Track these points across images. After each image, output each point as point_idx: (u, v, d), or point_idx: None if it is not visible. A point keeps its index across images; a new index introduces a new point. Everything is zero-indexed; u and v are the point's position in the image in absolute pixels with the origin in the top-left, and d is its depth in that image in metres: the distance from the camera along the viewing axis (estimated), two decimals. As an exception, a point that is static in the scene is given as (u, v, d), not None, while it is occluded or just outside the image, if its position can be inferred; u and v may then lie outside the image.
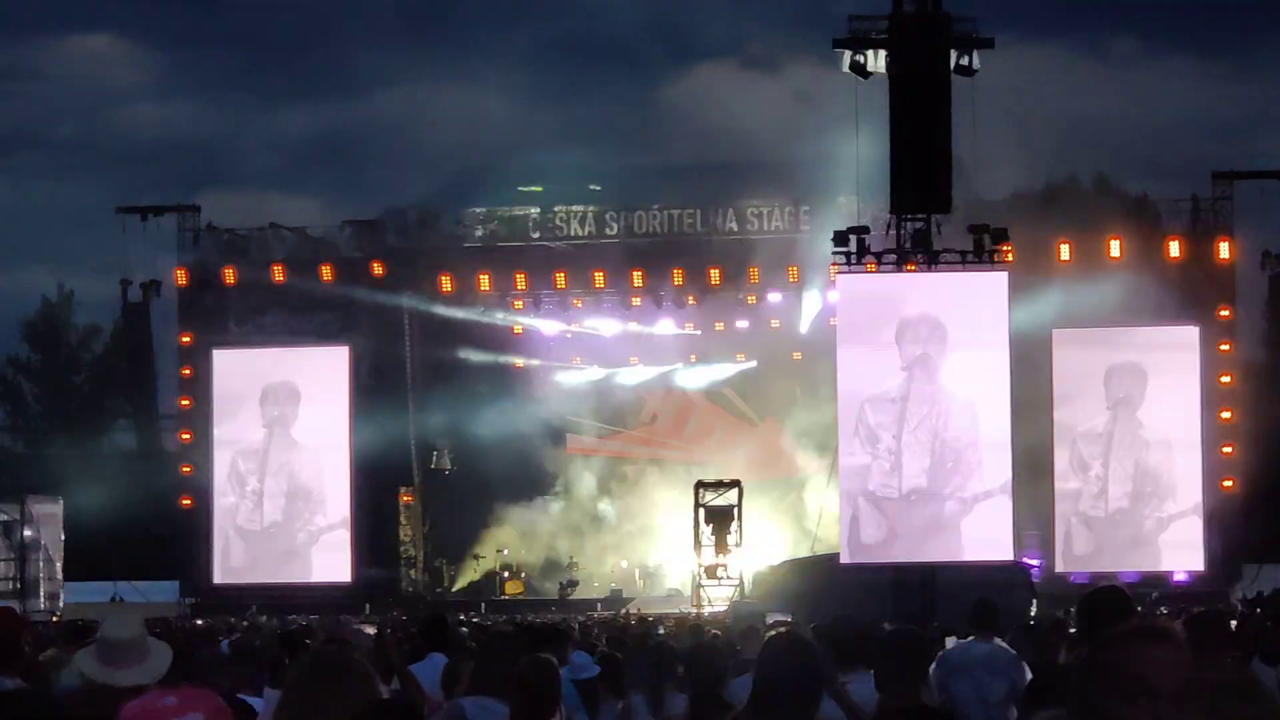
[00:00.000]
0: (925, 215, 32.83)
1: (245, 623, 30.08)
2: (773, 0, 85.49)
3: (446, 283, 41.89)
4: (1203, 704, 3.57)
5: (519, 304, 42.86)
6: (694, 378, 46.57)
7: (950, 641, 12.02)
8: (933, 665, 10.21)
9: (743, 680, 7.02)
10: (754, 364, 45.46)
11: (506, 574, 43.66)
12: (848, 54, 33.54)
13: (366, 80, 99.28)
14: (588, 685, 9.92)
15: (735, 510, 38.27)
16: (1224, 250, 39.31)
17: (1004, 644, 10.67)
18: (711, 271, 40.76)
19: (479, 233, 42.65)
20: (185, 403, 42.62)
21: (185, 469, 42.20)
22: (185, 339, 42.56)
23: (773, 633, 7.36)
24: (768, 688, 5.83)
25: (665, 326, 43.55)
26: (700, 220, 41.62)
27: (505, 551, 44.33)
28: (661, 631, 20.15)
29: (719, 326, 43.63)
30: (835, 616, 9.05)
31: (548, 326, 43.92)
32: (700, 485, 39.15)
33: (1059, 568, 37.89)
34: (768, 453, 45.40)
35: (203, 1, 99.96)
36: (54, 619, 35.12)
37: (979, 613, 10.68)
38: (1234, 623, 17.48)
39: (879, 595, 28.74)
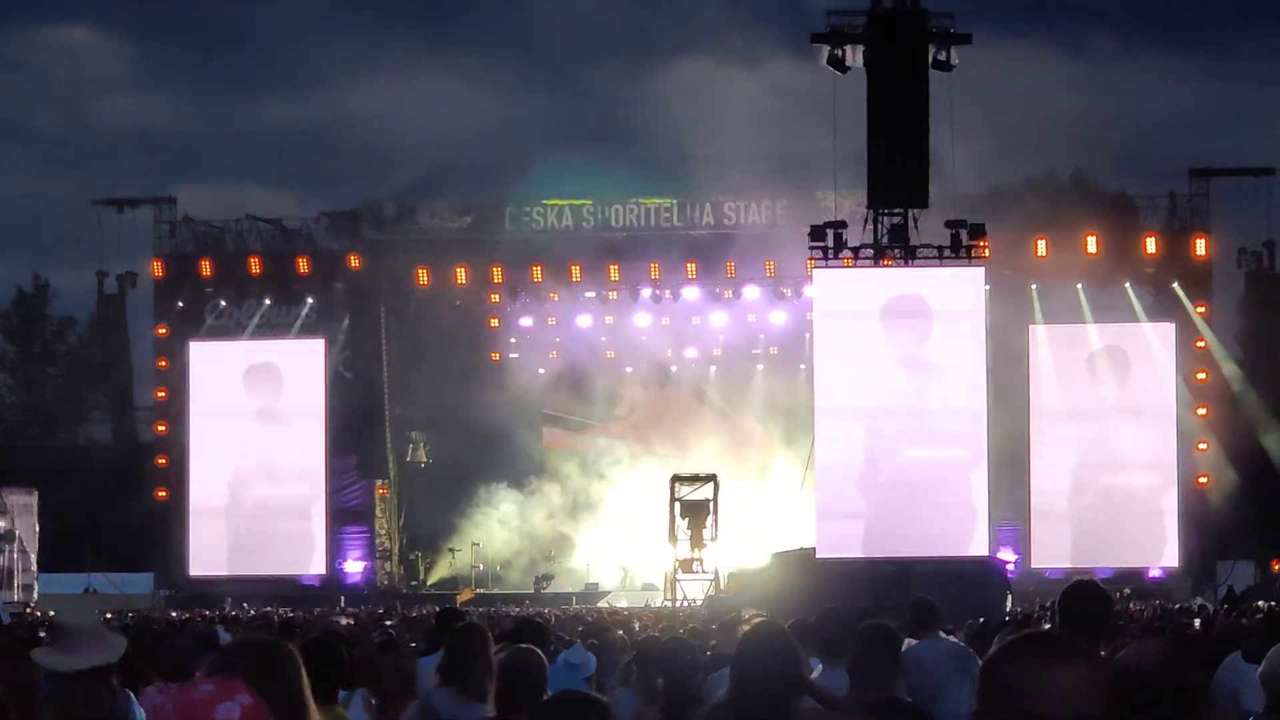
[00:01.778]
0: (902, 210, 32.92)
1: (219, 614, 30.03)
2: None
3: (423, 275, 41.83)
4: None
5: (495, 297, 42.79)
6: (671, 371, 46.52)
7: (909, 642, 11.95)
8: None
9: (717, 676, 7.00)
10: (730, 358, 45.43)
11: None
12: (826, 49, 33.61)
13: (342, 72, 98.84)
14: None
15: (711, 504, 38.22)
16: (1200, 247, 39.42)
17: (954, 639, 10.69)
18: (688, 265, 40.77)
19: (455, 226, 42.59)
20: (161, 395, 42.56)
21: (161, 461, 42.12)
22: (161, 331, 42.49)
23: (750, 624, 7.31)
24: (748, 678, 5.77)
25: (642, 320, 43.50)
26: (677, 214, 41.64)
27: (480, 545, 44.25)
28: (637, 627, 20.10)
29: (695, 320, 43.60)
30: (824, 610, 9.02)
31: (524, 319, 43.85)
32: (676, 479, 39.08)
33: (1034, 563, 37.96)
34: (744, 446, 45.35)
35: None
36: (27, 610, 34.99)
37: (922, 612, 10.69)
38: (1197, 621, 17.55)
39: (855, 590, 28.73)
